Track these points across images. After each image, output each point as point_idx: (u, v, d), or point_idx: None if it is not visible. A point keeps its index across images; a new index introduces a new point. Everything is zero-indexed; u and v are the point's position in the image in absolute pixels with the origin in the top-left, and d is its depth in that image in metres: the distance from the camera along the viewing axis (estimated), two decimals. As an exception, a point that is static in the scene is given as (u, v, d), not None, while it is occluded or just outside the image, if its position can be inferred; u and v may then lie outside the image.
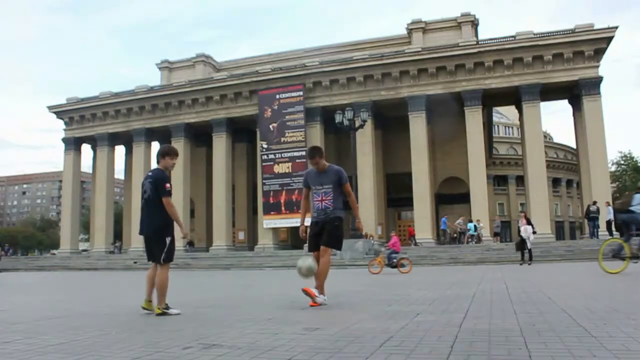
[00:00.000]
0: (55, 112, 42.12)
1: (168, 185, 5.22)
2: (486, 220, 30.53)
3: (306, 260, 5.63)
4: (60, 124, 42.57)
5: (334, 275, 13.96)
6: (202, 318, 4.90)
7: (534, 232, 18.62)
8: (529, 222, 18.51)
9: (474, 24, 37.84)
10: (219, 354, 2.99)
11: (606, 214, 25.50)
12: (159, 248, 5.25)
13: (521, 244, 18.31)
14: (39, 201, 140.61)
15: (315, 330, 3.79)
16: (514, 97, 33.28)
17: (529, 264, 17.62)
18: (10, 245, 63.75)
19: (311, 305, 5.46)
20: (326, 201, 5.76)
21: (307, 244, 6.10)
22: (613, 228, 25.94)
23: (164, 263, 5.27)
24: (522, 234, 18.19)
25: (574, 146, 39.42)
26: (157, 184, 5.24)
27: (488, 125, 42.32)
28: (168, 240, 5.25)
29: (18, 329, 4.34)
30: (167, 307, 5.17)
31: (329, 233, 5.72)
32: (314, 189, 5.86)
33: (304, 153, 34.19)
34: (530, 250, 18.19)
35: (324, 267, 5.69)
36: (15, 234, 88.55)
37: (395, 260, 15.80)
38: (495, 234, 30.81)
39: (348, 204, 6.05)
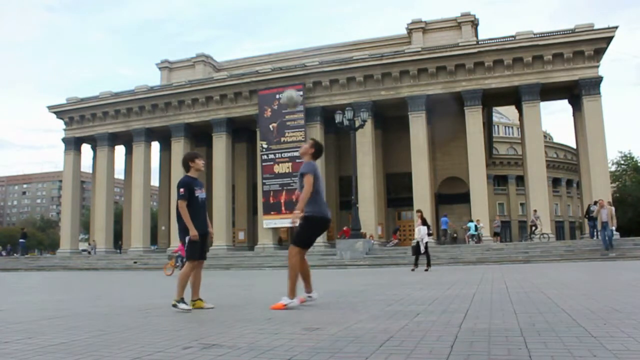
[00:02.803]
0: (55, 112, 42.08)
1: (182, 190, 5.64)
2: (486, 220, 30.53)
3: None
4: (60, 124, 42.57)
5: (333, 275, 13.98)
6: (202, 318, 4.90)
7: (429, 234, 16.59)
8: (424, 223, 16.30)
9: (474, 24, 37.84)
10: (219, 354, 2.99)
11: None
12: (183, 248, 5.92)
13: (417, 248, 16.05)
14: (39, 201, 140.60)
15: (315, 330, 3.79)
16: (514, 97, 33.27)
17: (426, 270, 15.15)
18: (10, 246, 63.73)
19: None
20: None
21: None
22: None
23: (185, 261, 5.86)
24: (416, 235, 15.91)
25: (574, 146, 39.42)
26: (177, 189, 5.74)
27: (488, 125, 42.33)
28: (187, 239, 5.64)
29: (18, 329, 4.34)
30: (179, 301, 5.50)
31: None
32: (319, 185, 5.70)
33: (304, 153, 34.15)
34: (427, 254, 16.01)
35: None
36: (16, 234, 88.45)
37: (180, 264, 18.17)
38: (495, 234, 30.84)
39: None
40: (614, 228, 21.37)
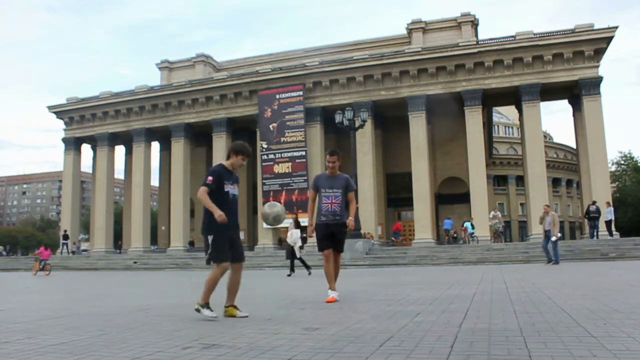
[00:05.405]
0: (55, 112, 42.10)
1: (211, 178, 4.84)
2: (486, 220, 30.49)
3: (274, 207, 5.87)
4: (60, 124, 42.59)
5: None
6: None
7: (303, 238, 15.55)
8: (298, 226, 15.22)
9: (474, 24, 37.86)
10: (219, 354, 2.99)
11: (606, 214, 25.52)
12: (204, 248, 4.94)
13: (291, 252, 15.12)
14: (39, 201, 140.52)
15: (315, 330, 3.79)
16: (514, 97, 33.28)
17: (309, 274, 14.46)
18: (10, 245, 63.75)
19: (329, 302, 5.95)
20: (335, 205, 6.22)
21: (316, 244, 6.65)
22: (613, 228, 26.01)
23: (207, 264, 4.87)
24: (288, 239, 14.94)
25: (574, 146, 39.42)
26: (205, 177, 4.92)
27: (488, 125, 42.32)
28: (210, 238, 4.80)
29: (18, 329, 4.34)
30: (203, 306, 4.71)
31: (340, 240, 6.35)
32: (324, 191, 6.25)
33: (304, 153, 34.24)
34: (301, 258, 15.13)
35: (338, 270, 6.54)
36: (15, 233, 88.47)
37: (42, 265, 22.92)
38: (496, 234, 30.81)
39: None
40: (556, 237, 17.49)
